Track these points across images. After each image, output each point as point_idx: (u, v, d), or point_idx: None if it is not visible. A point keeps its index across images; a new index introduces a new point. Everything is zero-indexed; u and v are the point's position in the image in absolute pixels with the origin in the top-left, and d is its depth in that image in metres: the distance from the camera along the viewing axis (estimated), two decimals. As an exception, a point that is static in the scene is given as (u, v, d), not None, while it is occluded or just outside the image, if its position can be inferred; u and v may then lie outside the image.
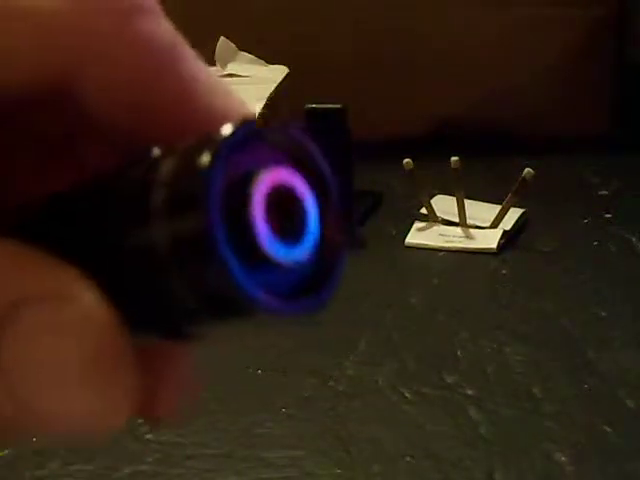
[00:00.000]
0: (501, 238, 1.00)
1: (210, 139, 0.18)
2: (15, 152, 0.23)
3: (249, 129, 0.18)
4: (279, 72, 1.17)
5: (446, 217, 1.04)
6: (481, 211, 1.04)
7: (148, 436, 0.72)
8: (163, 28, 0.21)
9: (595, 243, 1.00)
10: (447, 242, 1.01)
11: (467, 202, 1.03)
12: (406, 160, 1.01)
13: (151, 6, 0.21)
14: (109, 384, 0.19)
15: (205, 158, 0.17)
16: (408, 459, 0.68)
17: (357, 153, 1.06)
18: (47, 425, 0.19)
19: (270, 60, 1.20)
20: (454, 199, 1.02)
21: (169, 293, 0.18)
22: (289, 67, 1.17)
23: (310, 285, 0.19)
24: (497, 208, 1.02)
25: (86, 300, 0.19)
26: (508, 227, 1.01)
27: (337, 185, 0.19)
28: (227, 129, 0.18)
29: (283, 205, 0.18)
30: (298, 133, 0.19)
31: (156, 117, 0.21)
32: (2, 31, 0.20)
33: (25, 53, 0.20)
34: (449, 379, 0.78)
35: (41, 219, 0.21)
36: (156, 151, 0.19)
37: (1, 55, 0.20)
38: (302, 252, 0.18)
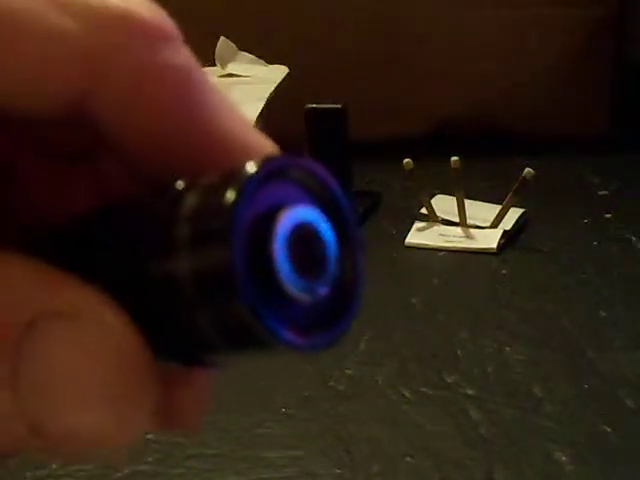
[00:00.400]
0: (501, 238, 1.00)
1: (234, 176, 0.18)
2: (30, 164, 0.23)
3: (272, 166, 0.19)
4: (279, 72, 1.17)
5: (446, 217, 1.04)
6: (481, 211, 1.04)
7: (148, 436, 0.72)
8: (182, 55, 0.21)
9: (595, 243, 1.00)
10: (447, 242, 1.01)
11: (467, 202, 1.03)
12: (406, 160, 1.01)
13: (171, 32, 0.21)
14: (129, 405, 0.19)
15: (230, 195, 0.18)
16: (408, 459, 0.68)
17: (357, 153, 1.06)
18: (61, 444, 0.19)
19: (270, 60, 1.20)
20: (454, 199, 1.02)
21: (190, 324, 0.18)
22: (289, 67, 1.17)
23: (327, 319, 0.19)
24: (497, 208, 1.02)
25: (109, 319, 0.18)
26: (508, 227, 1.01)
27: (357, 220, 0.20)
28: (251, 166, 0.18)
29: (304, 242, 0.18)
30: (319, 169, 0.19)
31: (171, 143, 0.21)
32: (14, 52, 0.20)
33: (40, 74, 0.20)
34: (449, 379, 0.78)
35: (64, 241, 0.21)
36: (180, 183, 0.19)
37: (12, 76, 0.20)
38: (321, 288, 0.19)
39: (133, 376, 0.19)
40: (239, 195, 0.18)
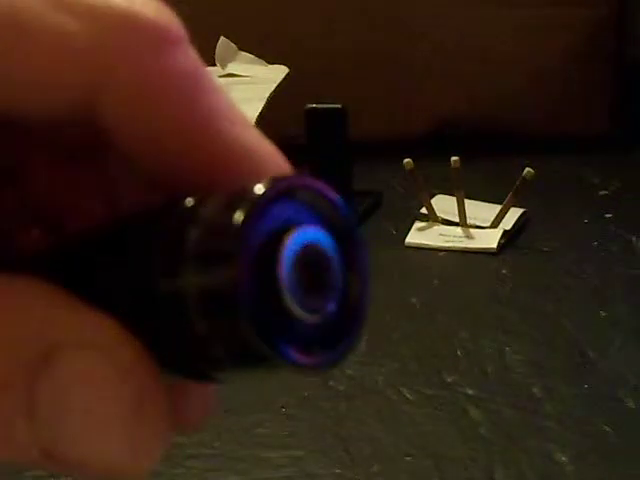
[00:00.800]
0: (501, 238, 1.00)
1: (243, 196, 0.19)
2: (34, 168, 0.23)
3: (280, 187, 0.19)
4: (279, 72, 1.17)
5: (446, 217, 1.04)
6: (481, 211, 1.04)
7: (148, 436, 0.72)
8: (189, 59, 0.21)
9: (595, 243, 1.00)
10: (447, 242, 1.01)
11: (467, 202, 1.03)
12: (406, 160, 1.01)
13: (177, 34, 0.21)
14: (143, 435, 0.19)
15: (238, 217, 0.18)
16: (408, 459, 0.68)
17: (357, 153, 1.06)
18: (74, 470, 0.19)
19: (270, 60, 1.20)
20: (454, 199, 1.02)
21: (197, 342, 0.19)
22: (289, 67, 1.17)
23: (333, 337, 0.19)
24: (497, 208, 1.02)
25: (126, 354, 0.19)
26: (508, 227, 1.01)
27: (363, 240, 0.20)
28: (259, 188, 0.19)
29: (311, 263, 0.19)
30: (326, 190, 0.20)
31: (175, 148, 0.21)
32: (15, 54, 0.19)
33: (43, 77, 0.20)
34: (449, 379, 0.78)
35: (71, 259, 0.21)
36: (190, 201, 0.20)
37: (14, 78, 0.20)
38: (327, 308, 0.19)
39: (148, 407, 0.19)
40: (247, 217, 0.18)
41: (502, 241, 1.00)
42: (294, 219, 0.19)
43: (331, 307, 0.19)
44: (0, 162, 0.23)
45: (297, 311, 0.19)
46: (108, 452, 0.19)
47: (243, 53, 1.20)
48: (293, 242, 0.19)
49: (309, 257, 0.19)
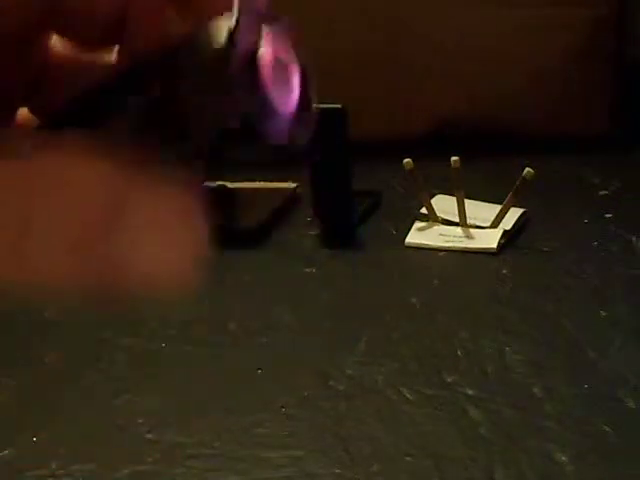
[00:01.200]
0: (501, 238, 1.00)
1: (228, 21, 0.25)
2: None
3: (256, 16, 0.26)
4: (279, 72, 1.16)
5: (446, 217, 1.04)
6: (481, 211, 1.04)
7: (148, 436, 0.72)
8: None
9: (595, 243, 1.00)
10: (447, 242, 1.01)
11: (467, 202, 1.03)
12: (406, 160, 1.01)
13: None
14: (190, 240, 0.24)
15: (222, 37, 0.25)
16: (408, 459, 0.68)
17: (357, 153, 1.06)
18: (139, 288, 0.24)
19: (270, 60, 1.20)
20: (454, 199, 1.02)
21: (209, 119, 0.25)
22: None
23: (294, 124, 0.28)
24: (497, 208, 1.02)
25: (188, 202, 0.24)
26: (508, 227, 1.01)
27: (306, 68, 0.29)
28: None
29: (280, 73, 0.27)
30: (290, 26, 0.27)
31: None
32: None
33: None
34: (449, 379, 0.78)
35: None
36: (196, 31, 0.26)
37: None
38: (287, 107, 0.28)
39: (194, 221, 0.24)
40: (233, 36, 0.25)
41: (502, 241, 1.00)
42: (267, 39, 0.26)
43: (290, 107, 0.28)
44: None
45: (271, 102, 0.26)
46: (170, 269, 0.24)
47: (243, 53, 1.20)
48: (268, 54, 0.26)
49: (279, 68, 0.27)
